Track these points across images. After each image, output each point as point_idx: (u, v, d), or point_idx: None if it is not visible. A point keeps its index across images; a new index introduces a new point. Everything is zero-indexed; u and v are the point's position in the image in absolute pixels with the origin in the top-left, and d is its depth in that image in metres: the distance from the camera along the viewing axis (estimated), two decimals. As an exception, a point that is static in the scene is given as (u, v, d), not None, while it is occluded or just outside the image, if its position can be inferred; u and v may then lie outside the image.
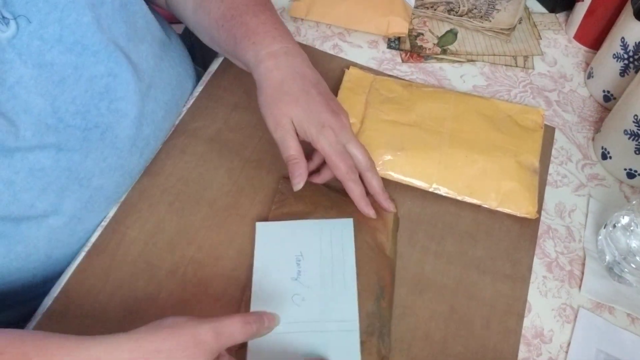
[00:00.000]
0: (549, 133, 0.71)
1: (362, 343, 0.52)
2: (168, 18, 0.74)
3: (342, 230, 0.59)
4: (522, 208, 0.63)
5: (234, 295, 0.57)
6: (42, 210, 0.53)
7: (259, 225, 0.59)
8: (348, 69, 0.74)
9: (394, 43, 0.81)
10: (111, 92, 0.56)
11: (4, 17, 0.46)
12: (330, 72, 0.75)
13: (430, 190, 0.64)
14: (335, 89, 0.73)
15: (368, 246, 0.58)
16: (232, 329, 0.43)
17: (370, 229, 0.60)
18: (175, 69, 0.69)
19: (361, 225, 0.60)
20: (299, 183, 0.56)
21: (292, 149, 0.56)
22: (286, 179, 0.63)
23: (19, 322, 0.56)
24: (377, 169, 0.64)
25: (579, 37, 0.83)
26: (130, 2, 0.58)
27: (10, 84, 0.48)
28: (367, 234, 0.59)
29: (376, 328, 0.53)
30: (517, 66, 0.80)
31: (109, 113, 0.57)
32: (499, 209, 0.63)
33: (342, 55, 0.79)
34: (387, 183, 0.64)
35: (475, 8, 0.84)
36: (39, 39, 0.49)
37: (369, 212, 0.59)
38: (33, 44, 0.49)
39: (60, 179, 0.54)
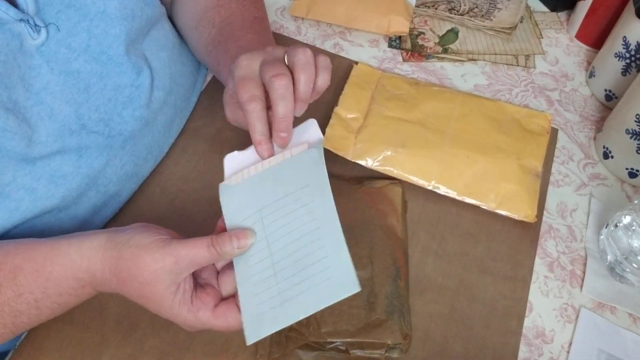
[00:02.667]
0: (551, 134, 0.71)
1: (384, 322, 0.53)
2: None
3: (307, 160, 0.48)
4: (521, 211, 0.63)
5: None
6: (57, 216, 0.54)
7: (222, 187, 0.49)
8: (357, 64, 0.75)
9: (394, 42, 0.81)
10: (134, 101, 0.57)
11: (36, 25, 0.47)
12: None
13: (429, 188, 0.64)
14: (337, 87, 0.73)
15: (380, 230, 0.59)
16: (193, 253, 0.43)
17: (380, 213, 0.60)
18: (194, 75, 0.69)
19: (371, 210, 0.60)
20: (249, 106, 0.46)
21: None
22: None
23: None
24: (377, 164, 0.65)
25: (580, 36, 0.83)
26: (154, 15, 0.59)
27: (37, 89, 0.49)
28: (378, 218, 0.60)
29: (396, 307, 0.54)
30: (518, 65, 0.80)
31: (133, 121, 0.57)
32: (498, 210, 0.63)
33: (343, 54, 0.79)
34: (387, 179, 0.64)
35: (477, 7, 0.84)
36: (67, 47, 0.50)
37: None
38: (60, 51, 0.50)
39: (81, 186, 0.54)
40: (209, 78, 0.74)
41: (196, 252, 0.43)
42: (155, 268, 0.42)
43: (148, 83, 0.58)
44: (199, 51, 0.66)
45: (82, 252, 0.45)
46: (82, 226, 0.57)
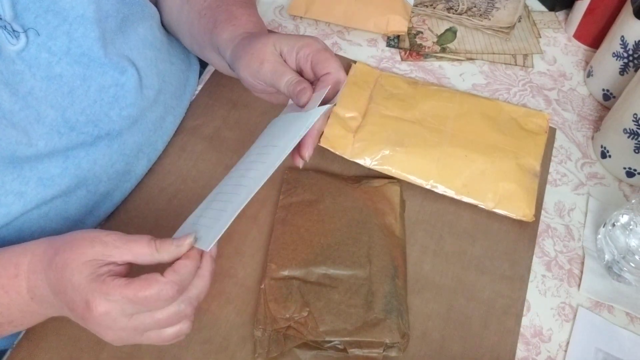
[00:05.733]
0: (549, 134, 0.71)
1: (382, 321, 0.53)
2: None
3: (297, 123, 0.47)
4: (519, 210, 0.63)
5: (231, 292, 0.57)
6: (47, 217, 0.53)
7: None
8: (355, 63, 0.75)
9: (393, 41, 0.81)
10: (120, 100, 0.57)
11: (14, 31, 0.47)
12: (329, 71, 0.75)
13: (427, 187, 0.64)
14: (334, 87, 0.73)
15: (378, 229, 0.59)
16: (133, 238, 0.42)
17: (379, 213, 0.61)
18: (185, 74, 0.69)
19: (369, 209, 0.60)
20: (304, 97, 0.48)
21: (288, 73, 0.50)
22: (290, 169, 0.64)
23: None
24: (375, 163, 0.65)
25: (578, 35, 0.83)
26: (131, 14, 0.58)
27: (22, 94, 0.49)
28: (376, 217, 0.60)
29: (394, 306, 0.54)
30: (516, 65, 0.80)
31: (120, 120, 0.57)
32: (496, 210, 0.63)
33: (341, 53, 0.79)
34: (385, 178, 0.64)
35: (475, 6, 0.84)
36: (47, 51, 0.49)
37: None
38: (41, 56, 0.49)
39: (69, 186, 0.54)
40: (207, 77, 0.74)
41: (136, 239, 0.42)
42: (89, 243, 0.42)
43: (134, 82, 0.57)
44: (189, 21, 0.63)
45: (25, 245, 0.46)
46: (73, 227, 0.57)
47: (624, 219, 0.59)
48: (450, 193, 0.64)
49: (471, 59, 0.80)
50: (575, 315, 0.58)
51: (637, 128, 0.64)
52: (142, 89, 0.58)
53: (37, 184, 0.51)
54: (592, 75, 0.77)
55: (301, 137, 0.46)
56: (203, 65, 0.76)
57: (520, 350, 0.56)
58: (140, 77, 0.58)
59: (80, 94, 0.53)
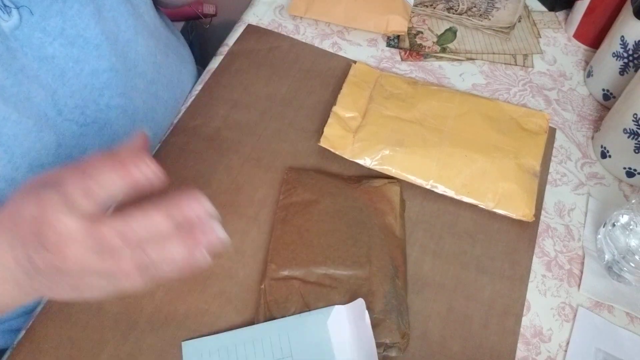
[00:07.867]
0: (549, 134, 0.71)
1: (382, 321, 0.53)
2: (169, 16, 0.74)
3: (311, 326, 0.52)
4: (519, 210, 0.63)
5: (231, 291, 0.57)
6: None
7: (185, 345, 0.51)
8: (355, 63, 0.75)
9: (393, 41, 0.81)
10: (112, 88, 0.56)
11: (5, 6, 0.46)
12: (329, 71, 0.75)
13: (427, 187, 0.64)
14: (335, 86, 0.73)
15: (378, 229, 0.59)
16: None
17: (379, 213, 0.61)
18: (178, 67, 0.69)
19: (369, 209, 0.60)
20: None
21: None
22: (291, 169, 0.64)
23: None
24: (375, 163, 0.65)
25: (578, 35, 0.83)
26: None
27: (14, 71, 0.48)
28: (376, 217, 0.60)
29: (394, 306, 0.54)
30: (516, 65, 0.80)
31: (108, 109, 0.56)
32: (496, 210, 0.63)
33: (341, 53, 0.78)
34: (385, 178, 0.64)
35: (475, 6, 0.84)
36: (41, 31, 0.49)
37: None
38: (35, 36, 0.49)
39: None
40: (207, 77, 0.74)
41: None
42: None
43: (128, 69, 0.57)
44: None
45: None
46: None
47: (624, 219, 0.59)
48: (450, 193, 0.64)
49: (471, 59, 0.80)
50: (575, 315, 0.58)
51: (637, 128, 0.64)
52: (135, 78, 0.58)
53: (28, 171, 0.50)
54: (592, 75, 0.77)
55: None
56: (203, 65, 0.76)
57: (520, 350, 0.56)
58: (134, 66, 0.58)
59: (71, 77, 0.53)
